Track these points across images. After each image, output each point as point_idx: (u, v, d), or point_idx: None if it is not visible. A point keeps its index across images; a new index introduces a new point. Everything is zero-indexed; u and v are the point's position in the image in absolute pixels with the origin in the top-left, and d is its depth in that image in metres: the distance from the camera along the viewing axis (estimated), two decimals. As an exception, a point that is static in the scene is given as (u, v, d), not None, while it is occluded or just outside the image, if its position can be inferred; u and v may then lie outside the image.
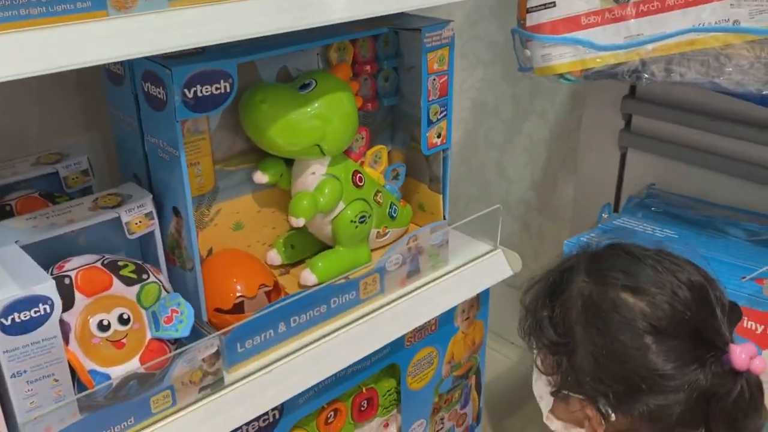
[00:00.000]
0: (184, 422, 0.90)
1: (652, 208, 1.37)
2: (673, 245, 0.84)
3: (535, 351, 0.87)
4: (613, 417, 0.76)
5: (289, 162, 1.04)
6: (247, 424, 1.00)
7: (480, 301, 1.33)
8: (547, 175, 1.96)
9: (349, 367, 1.11)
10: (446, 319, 1.26)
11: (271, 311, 0.98)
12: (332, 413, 1.15)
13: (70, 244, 0.90)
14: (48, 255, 0.84)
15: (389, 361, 1.19)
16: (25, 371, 0.76)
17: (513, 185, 2.05)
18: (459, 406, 1.39)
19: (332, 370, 1.05)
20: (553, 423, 0.86)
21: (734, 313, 0.78)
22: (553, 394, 0.84)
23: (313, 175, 1.03)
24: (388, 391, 1.24)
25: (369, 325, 1.09)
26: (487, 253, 1.27)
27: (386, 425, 1.28)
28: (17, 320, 0.73)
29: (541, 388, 0.87)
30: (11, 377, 0.75)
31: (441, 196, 1.19)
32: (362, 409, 1.21)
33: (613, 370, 0.76)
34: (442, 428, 1.37)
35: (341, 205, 1.05)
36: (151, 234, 0.94)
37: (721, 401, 0.73)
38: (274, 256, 1.11)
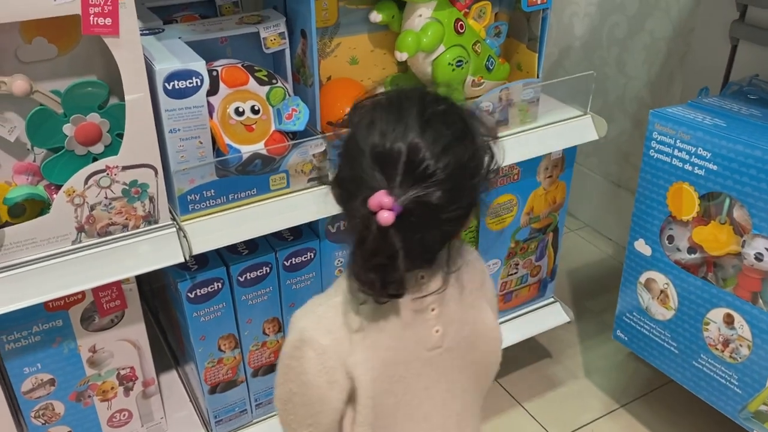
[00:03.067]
0: (294, 202, 1.13)
1: (749, 95, 1.41)
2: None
3: None
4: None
5: (401, 5, 1.21)
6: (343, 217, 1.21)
7: (565, 162, 1.45)
8: (663, 73, 1.99)
9: (435, 193, 1.29)
10: (529, 172, 1.40)
11: (372, 127, 1.17)
12: (417, 234, 1.35)
13: (219, 53, 1.13)
14: (202, 56, 1.07)
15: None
16: (179, 129, 1.00)
17: (630, 82, 2.09)
18: (534, 258, 1.54)
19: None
20: None
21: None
22: None
23: (420, 17, 1.18)
24: (469, 228, 1.42)
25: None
26: (576, 116, 1.39)
27: (465, 260, 1.46)
28: (176, 87, 0.97)
29: None
30: (169, 132, 1.00)
31: (537, 54, 1.31)
32: (444, 237, 1.39)
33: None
34: (515, 273, 1.53)
35: (441, 48, 1.21)
36: (283, 52, 1.15)
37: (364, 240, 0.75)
38: (382, 90, 1.29)
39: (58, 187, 0.97)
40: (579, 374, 1.79)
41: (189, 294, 1.12)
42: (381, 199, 0.71)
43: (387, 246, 0.74)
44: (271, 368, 1.28)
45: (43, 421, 1.14)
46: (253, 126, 1.08)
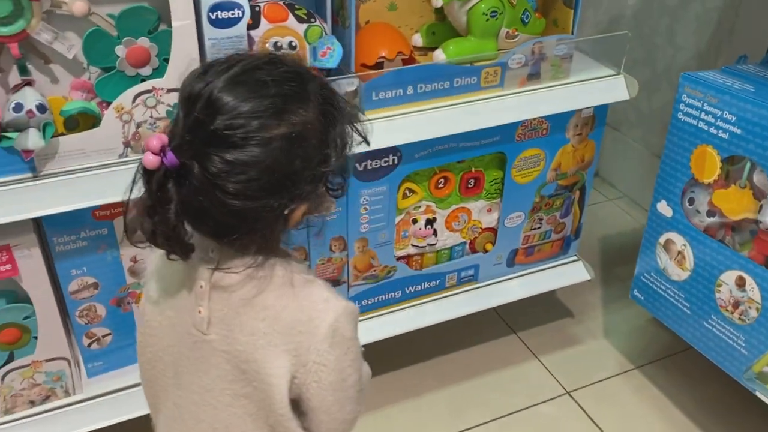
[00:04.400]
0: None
1: (788, 65, 1.41)
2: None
3: None
4: None
5: (441, -46, 1.25)
6: (375, 159, 1.28)
7: (595, 121, 1.48)
8: (712, 44, 1.97)
9: (462, 141, 1.34)
10: (558, 127, 1.44)
11: (403, 71, 1.23)
12: (442, 180, 1.41)
13: (263, -9, 1.20)
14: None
15: (498, 149, 1.40)
16: (220, 58, 1.07)
17: (679, 52, 2.08)
18: (559, 214, 1.58)
19: (447, 131, 1.28)
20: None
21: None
22: None
23: (457, -33, 1.23)
24: (495, 179, 1.47)
25: (485, 106, 1.31)
26: (609, 76, 1.41)
27: (489, 210, 1.52)
28: (219, 17, 1.05)
29: None
30: (211, 60, 1.08)
31: (573, 11, 1.34)
32: (469, 186, 1.45)
33: None
34: (539, 228, 1.58)
35: (477, -2, 1.25)
36: (323, -7, 1.21)
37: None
38: (417, 39, 1.34)
39: (109, 105, 1.07)
40: (598, 335, 1.83)
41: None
42: (150, 140, 0.67)
43: (156, 192, 0.69)
44: (295, 294, 1.36)
45: (86, 321, 1.26)
46: (290, 61, 1.15)
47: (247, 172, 0.68)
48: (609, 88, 1.41)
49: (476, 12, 1.26)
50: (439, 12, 1.34)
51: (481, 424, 1.58)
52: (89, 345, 1.28)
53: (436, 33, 1.34)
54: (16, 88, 1.03)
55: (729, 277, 1.30)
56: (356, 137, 0.78)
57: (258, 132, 0.67)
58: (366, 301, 1.47)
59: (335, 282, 1.40)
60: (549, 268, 1.65)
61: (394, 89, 1.24)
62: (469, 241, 1.53)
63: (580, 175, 1.55)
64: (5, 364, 1.20)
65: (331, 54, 1.15)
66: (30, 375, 1.22)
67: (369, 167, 1.29)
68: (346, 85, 1.19)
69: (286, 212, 0.72)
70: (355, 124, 0.77)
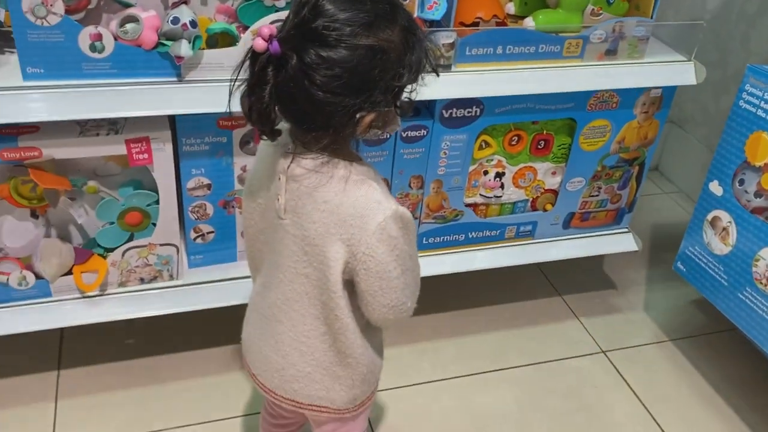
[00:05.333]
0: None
1: None
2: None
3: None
4: None
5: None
6: (459, 108, 1.45)
7: (662, 101, 1.61)
8: (785, 51, 2.07)
9: (538, 103, 1.50)
10: (627, 102, 1.58)
11: (495, 31, 1.40)
12: (516, 137, 1.57)
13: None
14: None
15: (569, 115, 1.55)
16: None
17: (751, 57, 2.18)
18: (617, 186, 1.73)
19: (526, 91, 1.44)
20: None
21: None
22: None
23: (556, -56, 1.38)
24: (563, 144, 1.62)
25: (564, 72, 1.46)
26: (680, 61, 1.55)
27: (554, 173, 1.67)
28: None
29: None
30: None
31: (654, -2, 1.48)
32: (539, 147, 1.60)
33: None
34: (597, 196, 1.72)
35: (570, -26, 1.40)
36: (434, -43, 1.38)
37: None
38: (510, 7, 1.51)
39: (246, 28, 1.26)
40: (638, 307, 1.97)
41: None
42: (262, 29, 0.80)
43: (257, 73, 0.82)
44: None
45: (196, 217, 1.46)
46: (400, 10, 1.33)
47: (333, 69, 0.79)
48: (679, 71, 1.54)
49: (567, -13, 1.41)
50: (536, -17, 1.49)
51: (517, 366, 1.74)
52: (195, 239, 1.49)
53: (528, 3, 1.50)
54: (175, 5, 1.23)
55: (767, 252, 1.43)
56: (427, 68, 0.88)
57: (349, 37, 0.79)
58: (433, 239, 1.64)
59: None
60: (601, 235, 1.79)
61: (485, 47, 1.41)
62: (531, 199, 1.69)
63: (641, 151, 1.68)
64: (126, 242, 1.42)
65: (436, 8, 1.32)
66: (145, 255, 1.43)
67: (453, 115, 1.46)
68: (445, 37, 1.36)
69: (357, 116, 0.83)
70: (429, 56, 0.88)
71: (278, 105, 0.84)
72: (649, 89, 1.57)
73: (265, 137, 0.90)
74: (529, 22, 1.44)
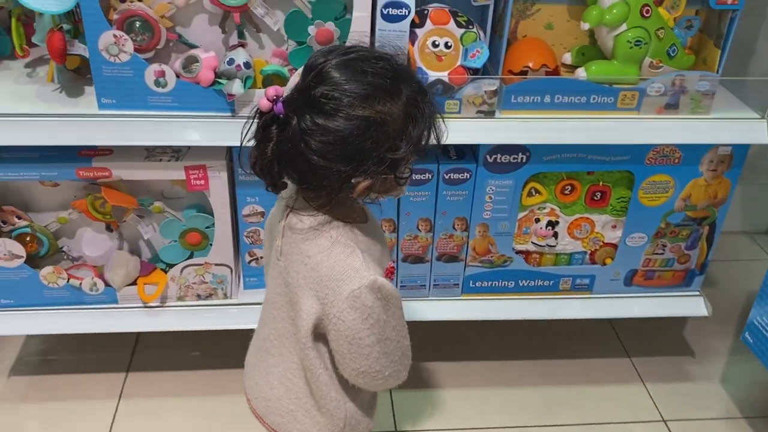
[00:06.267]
0: (460, 126, 1.40)
1: None
2: None
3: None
4: None
5: (595, -15, 1.40)
6: (504, 154, 1.46)
7: (733, 160, 1.52)
8: None
9: (591, 154, 1.47)
10: (691, 159, 1.50)
11: (543, 80, 1.40)
12: (569, 186, 1.54)
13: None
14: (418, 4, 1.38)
15: (626, 167, 1.51)
16: (385, 46, 1.32)
17: None
18: (684, 245, 1.63)
19: (575, 140, 1.42)
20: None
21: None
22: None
23: (609, -2, 1.37)
24: (622, 197, 1.57)
25: (617, 123, 1.43)
26: (751, 118, 1.46)
27: (614, 226, 1.62)
28: (390, 13, 1.30)
29: None
30: (378, 46, 1.33)
31: (720, 50, 1.41)
32: (595, 198, 1.57)
33: None
34: (662, 254, 1.64)
35: (624, 26, 1.38)
36: (487, 7, 1.41)
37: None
38: (567, 57, 1.50)
39: (294, 70, 1.36)
40: (714, 378, 1.83)
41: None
42: (269, 90, 0.86)
43: (262, 130, 0.88)
44: (417, 258, 1.58)
45: (251, 241, 1.57)
46: (443, 57, 1.37)
47: (327, 136, 0.83)
48: (749, 129, 1.45)
49: (622, 39, 1.39)
50: (592, 36, 1.48)
51: (566, 425, 1.68)
52: (249, 262, 1.60)
53: (585, 54, 1.49)
54: (233, 47, 1.36)
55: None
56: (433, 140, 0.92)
57: (345, 107, 0.83)
58: (480, 282, 1.64)
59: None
60: (667, 296, 1.70)
61: (532, 95, 1.41)
62: (589, 252, 1.64)
63: (710, 211, 1.59)
64: (186, 259, 1.55)
65: (479, 56, 1.36)
66: (202, 273, 1.56)
67: (498, 161, 1.47)
68: (488, 84, 1.38)
69: (352, 181, 0.87)
70: (433, 131, 0.91)
71: (278, 162, 0.89)
72: (716, 146, 1.49)
73: (269, 189, 0.96)
74: (581, 73, 1.43)
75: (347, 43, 0.97)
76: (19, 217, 1.48)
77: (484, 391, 1.76)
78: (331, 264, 0.91)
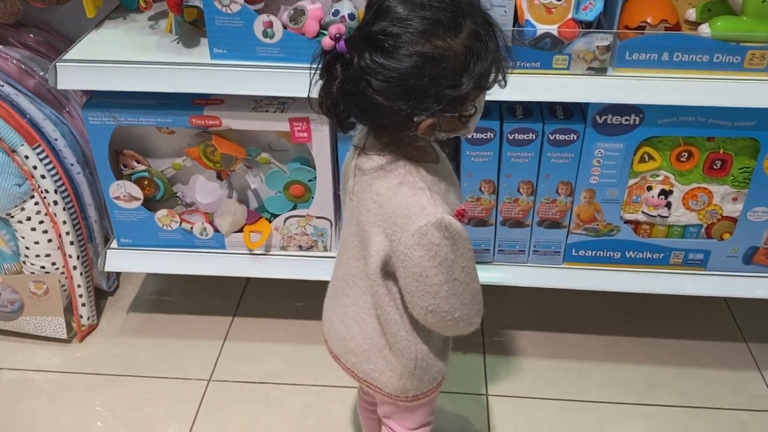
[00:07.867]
0: (569, 82, 1.34)
1: None
2: None
3: None
4: None
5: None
6: (615, 114, 1.38)
7: None
8: None
9: (711, 117, 1.37)
10: (828, 127, 1.36)
11: (660, 36, 1.31)
12: (686, 153, 1.44)
13: None
14: None
15: (751, 134, 1.39)
16: (491, -3, 1.29)
17: None
18: (816, 223, 1.49)
19: (695, 102, 1.32)
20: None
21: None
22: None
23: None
24: (745, 167, 1.45)
25: (744, 85, 1.31)
26: None
27: (734, 199, 1.50)
28: (497, -38, 1.26)
29: None
30: (484, -2, 1.29)
31: None
32: (714, 167, 1.46)
33: None
34: (788, 231, 1.51)
35: (757, -22, 1.27)
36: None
37: None
38: (691, 13, 1.39)
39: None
40: (843, 372, 1.67)
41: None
42: (332, 28, 0.85)
43: (326, 69, 0.87)
44: (517, 222, 1.54)
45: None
46: (553, 9, 1.32)
47: (386, 74, 0.82)
48: None
49: (753, -8, 1.27)
50: (721, -10, 1.37)
51: (668, 405, 1.60)
52: (349, 216, 1.62)
53: (711, 10, 1.37)
54: (340, -1, 1.37)
55: None
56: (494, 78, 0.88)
57: (403, 44, 0.81)
58: (583, 251, 1.58)
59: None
60: (792, 278, 1.56)
61: (649, 52, 1.33)
62: (705, 225, 1.54)
63: None
64: (290, 210, 1.60)
65: (591, 9, 1.29)
66: (303, 224, 1.60)
67: (608, 122, 1.40)
68: (600, 39, 1.31)
69: (414, 119, 0.85)
70: (500, 68, 0.87)
71: (343, 101, 0.89)
72: None
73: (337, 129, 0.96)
74: (705, 29, 1.33)
75: None
76: (138, 162, 1.58)
77: (581, 364, 1.70)
78: (398, 201, 0.91)
